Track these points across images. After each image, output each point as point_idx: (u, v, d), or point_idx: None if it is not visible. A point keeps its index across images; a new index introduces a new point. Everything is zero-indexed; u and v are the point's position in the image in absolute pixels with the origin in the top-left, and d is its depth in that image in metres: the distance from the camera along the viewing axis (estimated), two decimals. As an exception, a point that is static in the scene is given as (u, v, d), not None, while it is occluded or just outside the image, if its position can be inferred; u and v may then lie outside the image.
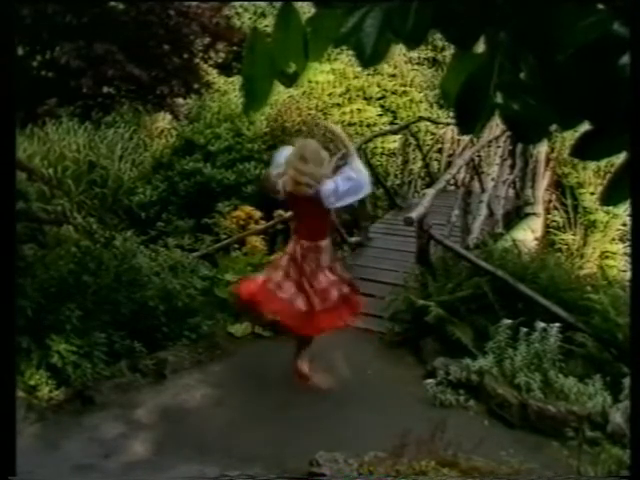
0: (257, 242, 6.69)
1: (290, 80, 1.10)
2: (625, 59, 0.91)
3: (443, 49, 13.76)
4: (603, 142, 0.99)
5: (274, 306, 4.44)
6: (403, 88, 12.95)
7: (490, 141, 9.46)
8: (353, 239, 7.55)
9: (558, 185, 11.55)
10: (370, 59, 1.01)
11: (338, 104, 12.06)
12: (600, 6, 0.93)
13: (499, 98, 0.98)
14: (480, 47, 1.01)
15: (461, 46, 1.03)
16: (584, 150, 1.02)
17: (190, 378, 4.76)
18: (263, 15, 13.58)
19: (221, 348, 5.29)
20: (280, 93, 11.00)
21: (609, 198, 1.05)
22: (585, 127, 1.00)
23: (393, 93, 12.83)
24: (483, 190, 8.55)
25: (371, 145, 10.27)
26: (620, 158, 1.01)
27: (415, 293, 5.58)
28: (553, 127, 1.02)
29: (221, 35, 10.71)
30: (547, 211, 11.16)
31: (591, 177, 11.09)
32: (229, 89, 11.89)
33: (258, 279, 4.53)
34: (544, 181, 10.87)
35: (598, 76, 0.94)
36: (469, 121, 1.03)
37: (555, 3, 0.94)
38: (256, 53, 1.08)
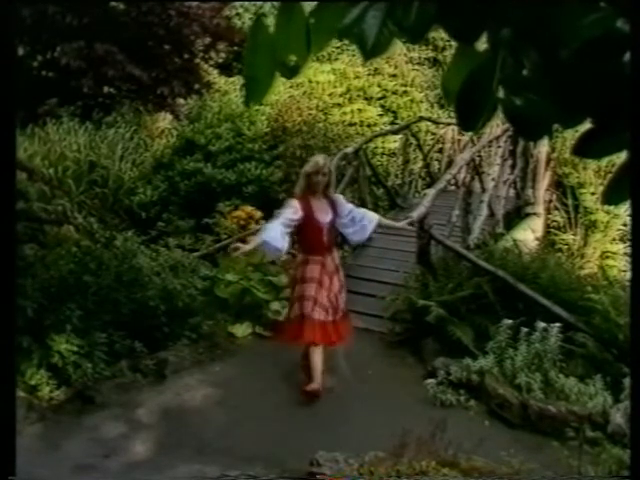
0: (257, 242, 6.67)
1: (291, 72, 1.10)
2: (628, 56, 0.91)
3: (444, 49, 13.76)
4: (605, 140, 0.99)
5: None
6: (404, 88, 12.94)
7: (491, 141, 9.47)
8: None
9: (559, 185, 11.54)
10: (372, 51, 1.01)
11: (339, 104, 12.05)
12: (602, 4, 0.93)
13: (501, 93, 0.98)
14: (481, 45, 1.01)
15: (463, 41, 1.02)
16: (586, 148, 1.02)
17: (191, 378, 4.77)
18: (264, 15, 13.55)
19: (222, 348, 5.30)
20: (281, 93, 11.00)
21: (610, 197, 1.05)
22: (586, 126, 0.99)
23: (394, 93, 12.82)
24: (484, 190, 8.55)
25: (372, 145, 10.27)
26: (621, 157, 1.01)
27: (416, 293, 5.58)
28: (555, 125, 1.02)
29: (221, 35, 10.70)
30: (548, 211, 11.15)
31: (592, 177, 11.08)
32: (230, 89, 11.89)
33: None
34: (545, 181, 10.86)
35: (601, 73, 0.94)
36: (471, 118, 1.03)
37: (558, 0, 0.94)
38: (258, 43, 1.08)
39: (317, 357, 4.54)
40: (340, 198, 4.78)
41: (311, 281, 4.52)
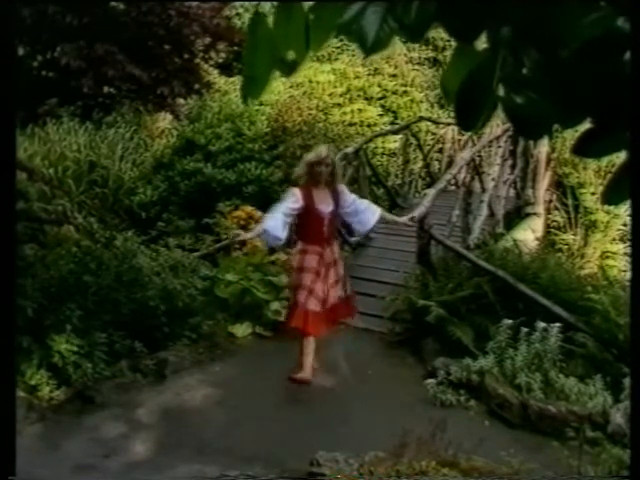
0: (258, 242, 6.68)
1: (289, 69, 1.10)
2: (629, 55, 0.91)
3: (444, 49, 13.76)
4: (605, 140, 0.99)
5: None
6: (404, 88, 12.95)
7: (491, 141, 9.47)
8: (354, 239, 7.55)
9: (559, 185, 11.54)
10: (372, 46, 1.00)
11: (339, 104, 12.05)
12: (602, 3, 0.93)
13: (501, 92, 0.97)
14: (480, 44, 1.00)
15: (463, 40, 1.02)
16: (585, 148, 1.02)
17: (191, 378, 4.76)
18: (263, 15, 13.56)
19: (222, 348, 5.30)
20: (281, 93, 11.00)
21: (610, 197, 1.05)
22: (586, 126, 0.99)
23: (394, 93, 12.83)
24: (484, 190, 8.55)
25: (372, 145, 10.27)
26: (621, 157, 1.01)
27: (416, 293, 5.58)
28: (555, 125, 1.01)
29: (222, 35, 10.70)
30: (548, 211, 11.15)
31: (592, 177, 11.07)
32: (230, 89, 11.89)
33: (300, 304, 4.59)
34: (545, 181, 10.86)
35: (601, 72, 0.93)
36: (470, 117, 1.03)
37: (559, -1, 0.94)
38: (258, 40, 1.08)
39: (309, 347, 4.55)
40: (343, 188, 4.77)
41: (308, 271, 4.53)
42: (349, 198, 4.69)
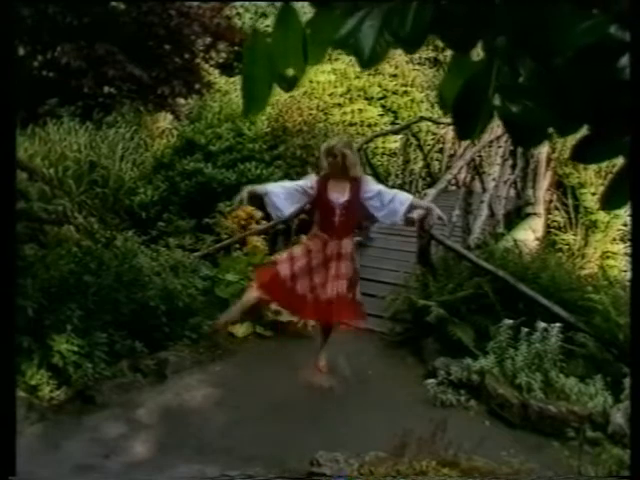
0: (258, 242, 6.69)
1: (289, 84, 1.10)
2: (622, 62, 0.91)
3: (444, 49, 13.74)
4: (602, 145, 0.99)
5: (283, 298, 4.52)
6: (404, 88, 12.95)
7: (491, 141, 9.46)
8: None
9: (559, 185, 11.54)
10: (369, 60, 1.01)
11: (339, 104, 12.06)
12: (596, 11, 0.94)
13: (497, 101, 0.98)
14: (478, 54, 1.01)
15: (459, 50, 1.03)
16: (583, 154, 1.02)
17: (191, 378, 4.77)
18: (264, 15, 13.60)
19: (222, 348, 5.30)
20: (281, 93, 10.98)
21: (608, 202, 1.05)
22: (583, 131, 1.00)
23: (394, 93, 12.83)
24: (484, 190, 8.55)
25: (372, 145, 10.28)
26: (621, 159, 1.01)
27: (416, 293, 5.58)
28: (551, 130, 1.02)
29: (222, 35, 10.70)
30: (548, 211, 11.16)
31: (592, 177, 11.08)
32: (230, 89, 11.90)
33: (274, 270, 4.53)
34: (545, 181, 10.86)
35: (596, 79, 0.94)
36: (467, 125, 1.03)
37: (552, 7, 0.94)
38: (256, 56, 1.08)
39: (247, 296, 4.55)
40: (366, 179, 4.53)
41: (303, 251, 4.48)
42: (372, 188, 4.43)
